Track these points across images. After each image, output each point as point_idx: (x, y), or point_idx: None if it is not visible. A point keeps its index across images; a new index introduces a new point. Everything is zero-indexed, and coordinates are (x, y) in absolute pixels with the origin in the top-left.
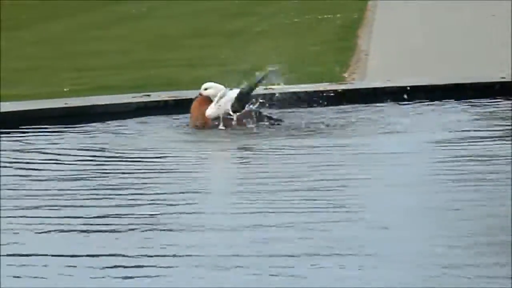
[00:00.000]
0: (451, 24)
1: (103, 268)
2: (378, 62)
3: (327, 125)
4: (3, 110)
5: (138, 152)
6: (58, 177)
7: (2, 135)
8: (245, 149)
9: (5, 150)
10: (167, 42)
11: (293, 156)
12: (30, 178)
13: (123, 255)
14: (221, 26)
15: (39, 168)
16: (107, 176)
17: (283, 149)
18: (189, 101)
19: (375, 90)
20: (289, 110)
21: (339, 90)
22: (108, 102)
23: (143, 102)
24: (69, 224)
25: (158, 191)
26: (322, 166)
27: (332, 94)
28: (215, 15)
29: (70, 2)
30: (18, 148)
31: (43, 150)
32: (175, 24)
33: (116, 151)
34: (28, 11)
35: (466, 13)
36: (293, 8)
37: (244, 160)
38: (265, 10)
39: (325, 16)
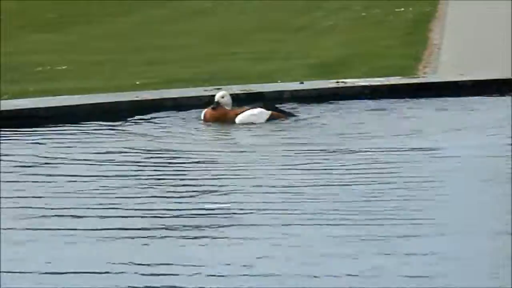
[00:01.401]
0: None
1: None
2: (451, 55)
3: None
4: (74, 103)
5: (205, 144)
6: (130, 168)
7: (75, 127)
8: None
9: (78, 142)
10: (235, 36)
11: None
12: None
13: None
14: (289, 20)
15: (109, 159)
16: (180, 171)
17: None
18: (259, 94)
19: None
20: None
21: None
22: (179, 95)
23: (214, 95)
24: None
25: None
26: None
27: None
28: (283, 10)
29: None
30: (90, 140)
31: (110, 143)
32: (243, 18)
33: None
34: (98, 6)
35: None
36: (360, 3)
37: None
38: (332, 5)
39: (396, 9)
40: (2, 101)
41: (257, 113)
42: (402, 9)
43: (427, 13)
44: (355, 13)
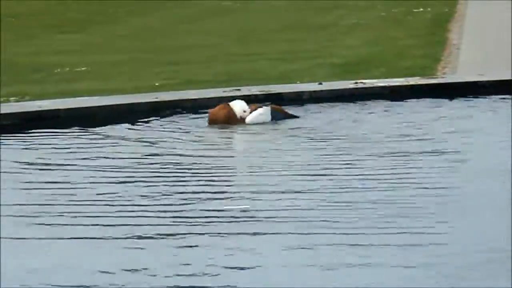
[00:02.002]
0: None
1: None
2: (470, 56)
3: None
4: (94, 104)
5: (226, 143)
6: (152, 169)
7: (94, 129)
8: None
9: (96, 146)
10: (257, 36)
11: None
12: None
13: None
14: (310, 20)
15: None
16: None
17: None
18: (278, 95)
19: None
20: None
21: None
22: (198, 97)
23: (233, 96)
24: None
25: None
26: None
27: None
28: (305, 9)
29: None
30: (114, 142)
31: (132, 143)
32: (265, 18)
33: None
34: (120, 6)
35: None
36: (381, 2)
37: None
38: (354, 4)
39: (415, 10)
40: (24, 102)
41: (264, 112)
42: (421, 9)
43: (446, 13)
44: (375, 12)
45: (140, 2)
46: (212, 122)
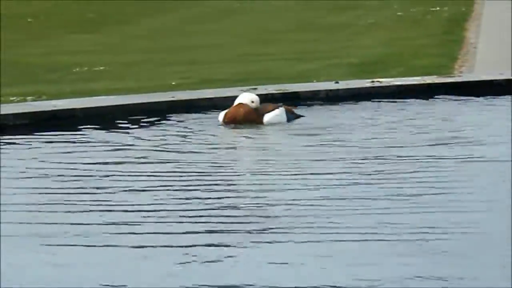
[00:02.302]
0: None
1: None
2: (487, 55)
3: None
4: (110, 103)
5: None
6: (167, 170)
7: (110, 128)
8: None
9: (115, 145)
10: (270, 36)
11: None
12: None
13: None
14: (325, 20)
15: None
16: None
17: None
18: (294, 94)
19: None
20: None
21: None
22: (214, 96)
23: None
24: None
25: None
26: None
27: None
28: (321, 9)
29: None
30: (129, 143)
31: (148, 143)
32: (278, 18)
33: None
34: (136, 6)
35: None
36: (398, 2)
37: None
38: (369, 4)
39: (431, 9)
40: (42, 102)
41: (280, 113)
42: (438, 8)
43: (462, 12)
44: (392, 12)
45: (155, 2)
46: (231, 121)
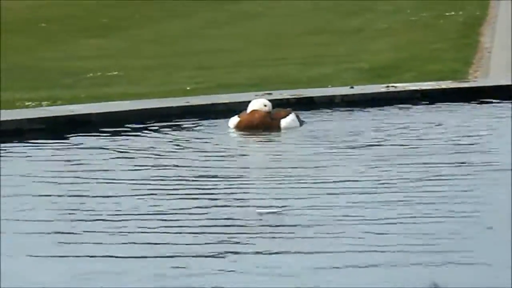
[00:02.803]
0: None
1: None
2: (502, 59)
3: None
4: (125, 108)
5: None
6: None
7: (125, 133)
8: None
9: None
10: (284, 40)
11: None
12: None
13: None
14: (338, 24)
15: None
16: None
17: None
18: (310, 99)
19: None
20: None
21: None
22: (229, 100)
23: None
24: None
25: None
26: None
27: None
28: (331, 13)
29: (188, 2)
30: (145, 147)
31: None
32: (292, 22)
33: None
34: (150, 11)
35: None
36: (411, 6)
37: None
38: (382, 8)
39: (445, 13)
40: (58, 107)
41: (295, 118)
42: (453, 12)
43: (477, 16)
44: (405, 16)
45: (168, 7)
46: (247, 127)
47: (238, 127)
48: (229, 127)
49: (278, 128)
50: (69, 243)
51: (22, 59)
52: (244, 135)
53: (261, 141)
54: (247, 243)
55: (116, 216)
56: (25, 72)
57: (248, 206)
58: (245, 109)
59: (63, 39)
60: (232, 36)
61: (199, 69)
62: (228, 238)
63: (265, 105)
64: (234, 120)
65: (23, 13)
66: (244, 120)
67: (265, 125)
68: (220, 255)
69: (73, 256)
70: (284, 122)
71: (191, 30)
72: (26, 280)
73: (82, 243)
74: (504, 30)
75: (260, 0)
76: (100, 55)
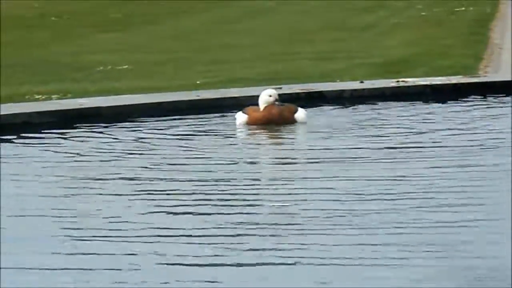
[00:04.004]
0: None
1: None
2: None
3: None
4: (135, 102)
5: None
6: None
7: (139, 125)
8: None
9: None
10: (298, 36)
11: None
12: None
13: None
14: (351, 20)
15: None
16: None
17: None
18: (320, 93)
19: None
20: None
21: None
22: (239, 95)
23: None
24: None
25: None
26: None
27: None
28: (345, 10)
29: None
30: (153, 137)
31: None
32: (306, 18)
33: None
34: (163, 6)
35: None
36: (422, 2)
37: None
38: (395, 4)
39: (456, 9)
40: (69, 100)
41: (305, 112)
42: (463, 8)
43: (487, 13)
44: (416, 12)
45: (181, 3)
46: (266, 122)
47: (254, 123)
48: (238, 122)
49: (294, 121)
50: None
51: (34, 53)
52: (255, 129)
53: (268, 134)
54: None
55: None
56: (36, 66)
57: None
58: (255, 104)
59: (76, 33)
60: (245, 32)
61: (211, 64)
62: None
63: (270, 95)
64: (241, 116)
65: (34, 8)
66: (263, 117)
67: (284, 118)
68: None
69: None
70: (300, 116)
71: (204, 26)
72: None
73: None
74: None
75: None
76: (112, 50)
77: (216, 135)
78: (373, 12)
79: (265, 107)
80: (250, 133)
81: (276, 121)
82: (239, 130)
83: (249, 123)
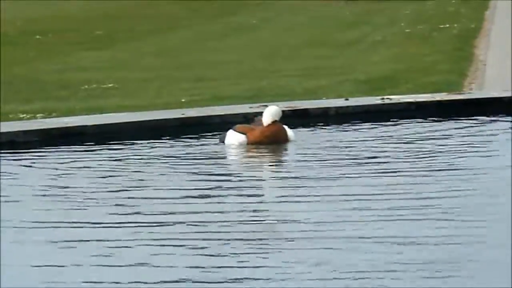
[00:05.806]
0: None
1: None
2: (496, 71)
3: None
4: (119, 121)
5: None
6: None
7: (119, 145)
8: None
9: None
10: (282, 53)
11: None
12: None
13: None
14: (335, 37)
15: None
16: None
17: None
18: (305, 111)
19: None
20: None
21: None
22: (224, 113)
23: (260, 112)
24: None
25: None
26: None
27: None
28: (329, 26)
29: (186, 14)
30: (142, 159)
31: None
32: (289, 34)
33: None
34: (147, 23)
35: None
36: (406, 19)
37: None
38: (378, 21)
39: (440, 26)
40: (54, 119)
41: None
42: (447, 25)
43: (472, 29)
44: (399, 29)
45: (165, 19)
46: (273, 141)
47: (259, 142)
48: (237, 142)
49: (286, 140)
50: None
51: (18, 71)
52: (249, 148)
53: (264, 153)
54: None
55: None
56: (20, 84)
57: None
58: (240, 122)
59: (60, 51)
60: (229, 49)
61: (195, 81)
62: None
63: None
64: (237, 136)
65: (17, 25)
66: (269, 135)
67: (284, 137)
68: None
69: None
70: (291, 135)
71: (189, 43)
72: None
73: None
74: (499, 42)
75: (258, 12)
76: (97, 67)
77: (204, 154)
78: (357, 29)
79: (269, 124)
80: (244, 153)
81: (282, 140)
82: (233, 149)
83: (252, 142)
